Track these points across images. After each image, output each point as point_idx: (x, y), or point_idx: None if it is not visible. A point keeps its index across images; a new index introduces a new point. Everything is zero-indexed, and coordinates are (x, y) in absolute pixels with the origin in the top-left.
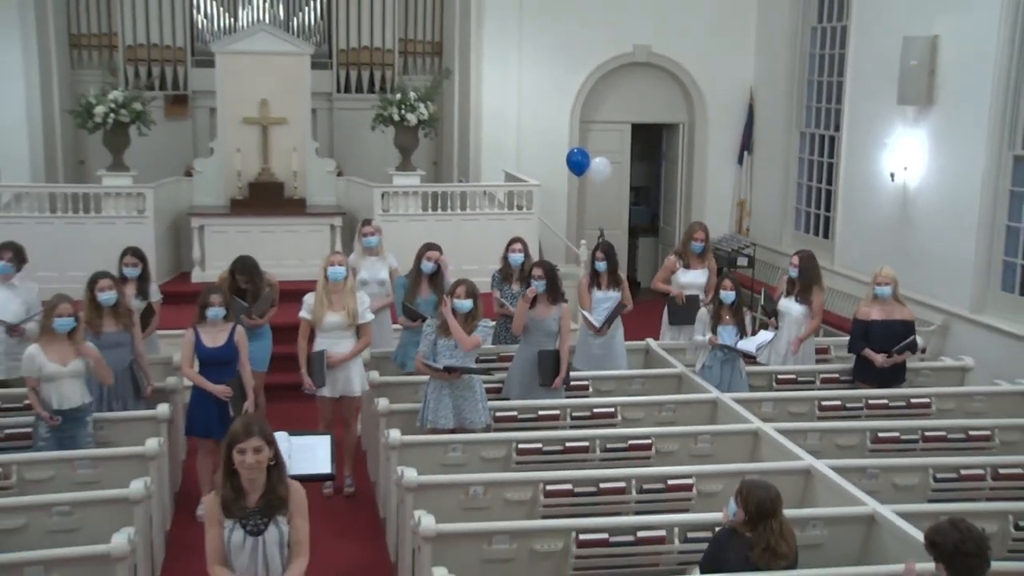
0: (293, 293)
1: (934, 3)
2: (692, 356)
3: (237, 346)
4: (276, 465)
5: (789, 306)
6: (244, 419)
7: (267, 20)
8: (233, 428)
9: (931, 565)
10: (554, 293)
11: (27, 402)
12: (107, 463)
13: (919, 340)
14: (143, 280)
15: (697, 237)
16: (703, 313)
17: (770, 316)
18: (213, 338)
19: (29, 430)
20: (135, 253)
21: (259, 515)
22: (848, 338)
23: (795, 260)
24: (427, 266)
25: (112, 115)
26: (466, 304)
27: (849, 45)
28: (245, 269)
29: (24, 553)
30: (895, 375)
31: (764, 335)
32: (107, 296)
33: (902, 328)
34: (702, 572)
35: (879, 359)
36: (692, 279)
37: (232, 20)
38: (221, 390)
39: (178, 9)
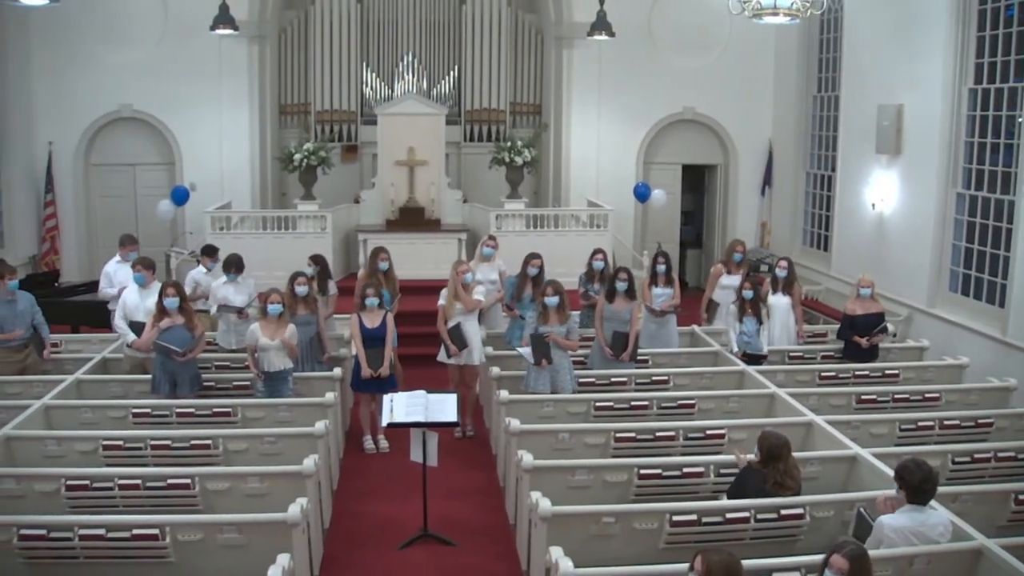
0: (430, 288)
1: (900, 81)
2: (725, 338)
3: (387, 327)
4: None
5: (778, 299)
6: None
7: (414, 90)
8: None
9: (892, 492)
10: (630, 292)
11: (247, 364)
12: (299, 409)
13: (889, 327)
14: (323, 278)
15: (738, 249)
16: (733, 307)
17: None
18: (371, 320)
19: (249, 383)
20: (315, 258)
21: None
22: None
23: (783, 263)
24: (531, 270)
25: (305, 160)
26: (554, 300)
27: (840, 109)
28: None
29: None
30: (871, 353)
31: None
32: (301, 289)
33: (877, 319)
34: (728, 498)
35: (862, 342)
36: (731, 281)
37: (389, 90)
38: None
39: (352, 84)
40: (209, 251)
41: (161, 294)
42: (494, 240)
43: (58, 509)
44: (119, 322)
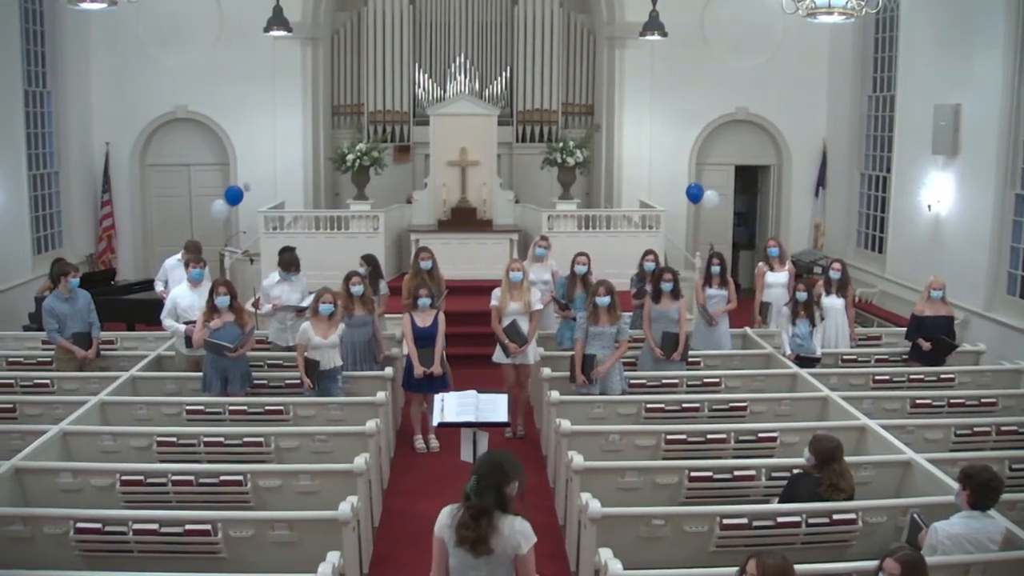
0: (481, 289)
1: (957, 80)
2: (778, 340)
3: (438, 325)
4: None
5: (832, 301)
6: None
7: (466, 91)
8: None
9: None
10: (676, 291)
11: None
12: (351, 408)
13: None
14: (375, 278)
15: (770, 245)
16: (785, 310)
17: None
18: (423, 320)
19: (299, 381)
20: (367, 258)
21: None
22: (905, 329)
23: (837, 265)
24: (579, 268)
25: (358, 161)
26: (606, 300)
27: (896, 109)
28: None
29: (295, 465)
30: (938, 358)
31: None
32: (356, 288)
33: (946, 322)
34: (780, 503)
35: (924, 345)
36: (776, 279)
37: (441, 91)
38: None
39: (405, 85)
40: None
41: (212, 292)
42: (546, 240)
43: (113, 503)
44: (168, 320)
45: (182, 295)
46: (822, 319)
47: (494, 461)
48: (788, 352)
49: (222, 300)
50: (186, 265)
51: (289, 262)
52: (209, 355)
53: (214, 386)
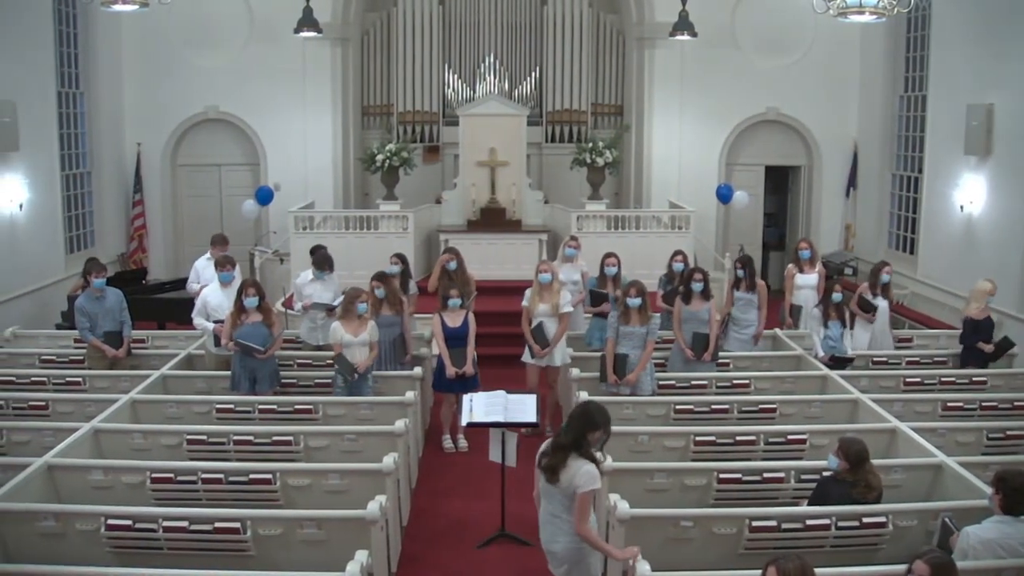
0: (511, 289)
1: (990, 80)
2: (809, 342)
3: (468, 326)
4: None
5: (879, 302)
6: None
7: (496, 91)
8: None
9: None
10: (706, 292)
11: (329, 361)
12: (380, 407)
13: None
14: (405, 277)
15: (801, 247)
16: (816, 311)
17: (869, 311)
18: (453, 320)
19: (330, 381)
20: (399, 256)
21: None
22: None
23: (889, 269)
24: (609, 270)
25: (387, 161)
26: (637, 301)
27: (927, 109)
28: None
29: (323, 464)
30: (995, 359)
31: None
32: (380, 291)
33: (990, 324)
34: (810, 505)
35: (987, 348)
36: (805, 280)
37: (471, 92)
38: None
39: (434, 85)
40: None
41: (241, 293)
42: (576, 241)
43: (143, 501)
44: (199, 319)
45: (212, 294)
46: (871, 322)
47: (586, 409)
48: (821, 354)
49: (251, 301)
50: (218, 266)
51: (323, 260)
52: (237, 354)
53: (242, 385)
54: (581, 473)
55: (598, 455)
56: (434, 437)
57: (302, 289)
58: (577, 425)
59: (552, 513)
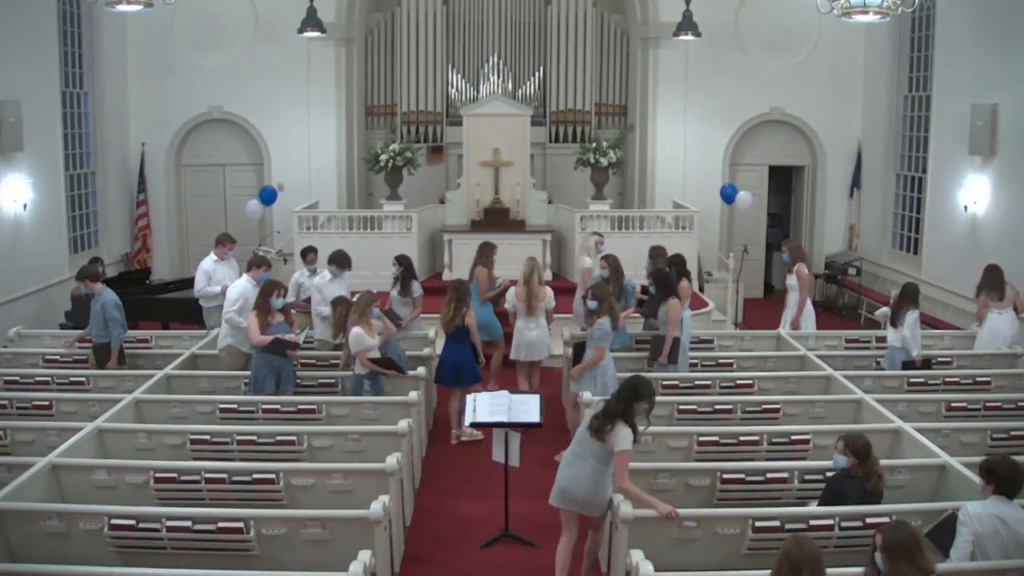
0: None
1: (995, 79)
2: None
3: (467, 326)
4: None
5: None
6: None
7: (500, 91)
8: None
9: None
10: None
11: (338, 362)
12: (383, 407)
13: None
14: (407, 278)
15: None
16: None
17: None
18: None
19: (335, 380)
20: (399, 259)
21: None
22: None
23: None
24: (603, 273)
25: (391, 161)
26: (593, 304)
27: (932, 109)
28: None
29: (328, 464)
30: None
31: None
32: (278, 302)
33: None
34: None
35: None
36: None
37: (475, 92)
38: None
39: (438, 86)
40: (308, 252)
41: (265, 294)
42: (601, 236)
43: (147, 500)
44: (233, 315)
45: (251, 294)
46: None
47: (634, 383)
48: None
49: (278, 302)
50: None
51: (343, 260)
52: (261, 356)
53: (268, 386)
54: (620, 436)
55: (641, 426)
56: (437, 437)
57: (323, 289)
58: (625, 394)
59: (579, 455)
